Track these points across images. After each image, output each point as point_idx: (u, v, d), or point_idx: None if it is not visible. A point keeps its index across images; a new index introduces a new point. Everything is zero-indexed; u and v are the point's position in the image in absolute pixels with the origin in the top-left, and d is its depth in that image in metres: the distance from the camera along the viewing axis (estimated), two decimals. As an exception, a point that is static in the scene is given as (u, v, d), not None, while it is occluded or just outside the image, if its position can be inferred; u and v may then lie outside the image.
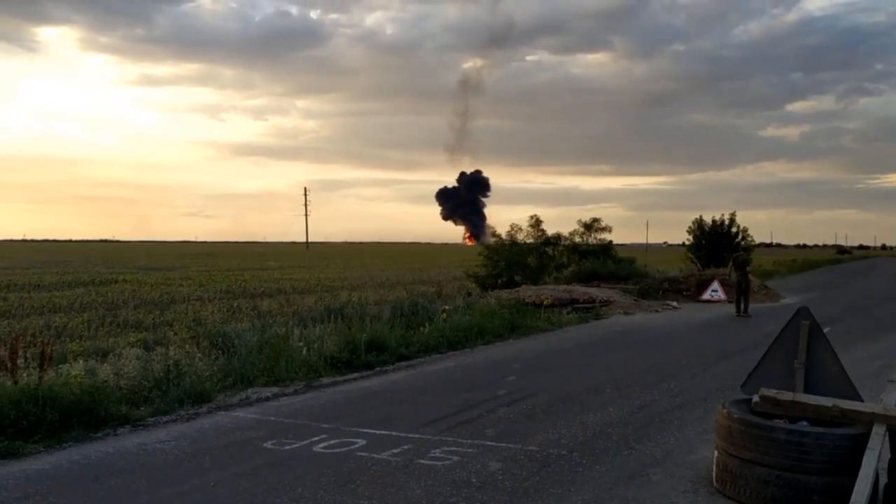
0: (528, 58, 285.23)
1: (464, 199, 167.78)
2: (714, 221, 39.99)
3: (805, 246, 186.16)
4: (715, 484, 5.47)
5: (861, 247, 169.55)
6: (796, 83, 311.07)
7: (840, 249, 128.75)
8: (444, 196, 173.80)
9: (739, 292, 19.12)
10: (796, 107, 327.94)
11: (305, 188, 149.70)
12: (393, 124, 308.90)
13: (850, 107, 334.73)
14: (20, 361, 8.78)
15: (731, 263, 20.11)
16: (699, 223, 40.44)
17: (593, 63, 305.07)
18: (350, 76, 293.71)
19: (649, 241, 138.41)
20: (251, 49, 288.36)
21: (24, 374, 8.80)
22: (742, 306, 18.97)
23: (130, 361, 9.97)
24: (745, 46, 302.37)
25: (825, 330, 5.73)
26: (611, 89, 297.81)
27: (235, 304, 25.25)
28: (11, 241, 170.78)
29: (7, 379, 8.39)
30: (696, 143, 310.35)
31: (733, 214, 39.51)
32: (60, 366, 9.59)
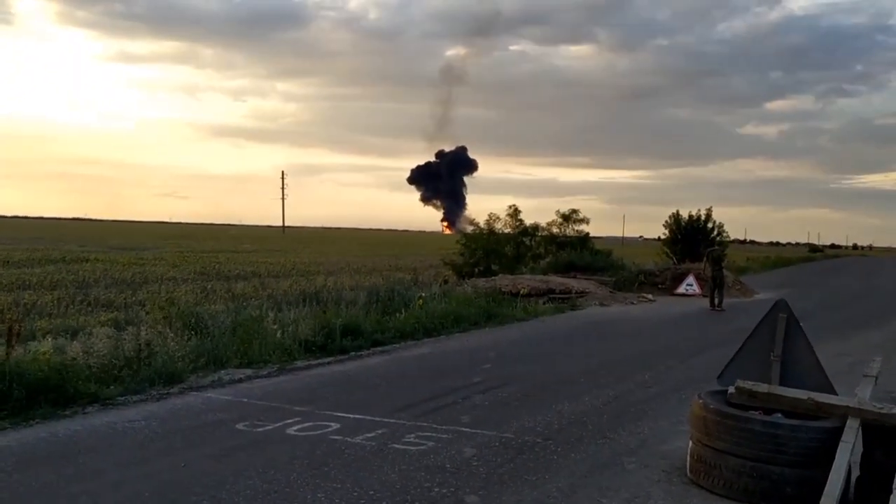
0: (511, 47, 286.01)
1: (444, 182, 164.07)
2: (691, 216, 40.30)
3: (778, 244, 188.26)
4: (689, 474, 5.47)
5: (833, 246, 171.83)
6: (776, 82, 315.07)
7: (812, 248, 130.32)
8: (422, 177, 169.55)
9: (714, 286, 19.27)
10: (775, 105, 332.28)
11: (283, 172, 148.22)
12: (374, 110, 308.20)
13: (828, 107, 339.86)
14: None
15: (706, 258, 20.28)
16: (676, 218, 40.68)
17: (577, 55, 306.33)
18: (332, 60, 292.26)
19: (625, 235, 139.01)
20: (232, 29, 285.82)
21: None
22: (717, 300, 19.11)
23: (101, 340, 9.82)
24: (728, 43, 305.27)
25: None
26: (593, 82, 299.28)
27: (210, 286, 24.99)
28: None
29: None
30: (675, 139, 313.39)
31: (710, 210, 39.77)
32: (28, 343, 9.41)
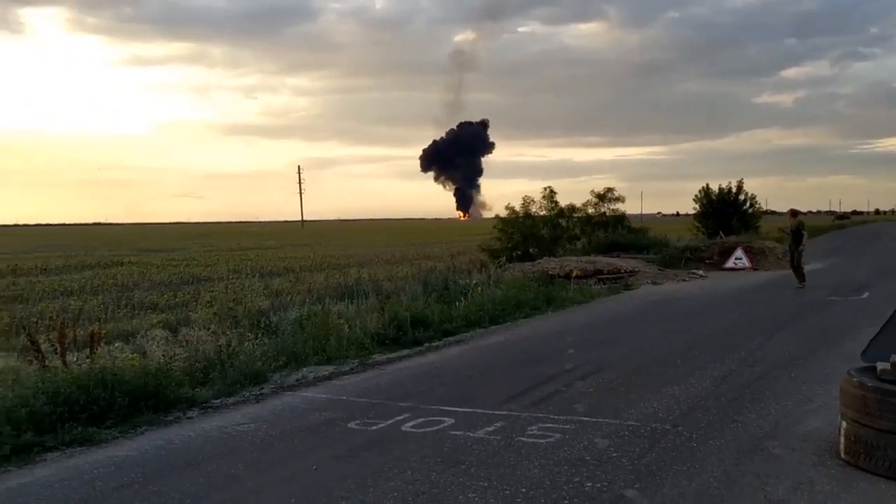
0: (520, 29, 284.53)
1: (460, 161, 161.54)
2: (721, 189, 39.75)
3: (798, 212, 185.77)
4: (843, 455, 5.22)
5: (855, 212, 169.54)
6: (791, 49, 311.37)
7: (839, 216, 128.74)
8: (431, 157, 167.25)
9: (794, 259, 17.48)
10: (790, 73, 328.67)
11: (299, 166, 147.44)
12: (384, 100, 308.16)
13: (844, 72, 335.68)
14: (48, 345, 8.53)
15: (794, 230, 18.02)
16: (706, 191, 40.16)
17: (586, 33, 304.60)
18: (340, 52, 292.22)
19: (644, 212, 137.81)
20: (239, 25, 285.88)
21: (74, 357, 8.52)
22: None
23: (165, 342, 9.75)
24: (740, 13, 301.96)
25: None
26: (603, 60, 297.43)
27: (247, 284, 24.90)
28: (4, 226, 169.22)
29: (53, 363, 8.11)
30: (688, 112, 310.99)
31: (741, 182, 39.32)
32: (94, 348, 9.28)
